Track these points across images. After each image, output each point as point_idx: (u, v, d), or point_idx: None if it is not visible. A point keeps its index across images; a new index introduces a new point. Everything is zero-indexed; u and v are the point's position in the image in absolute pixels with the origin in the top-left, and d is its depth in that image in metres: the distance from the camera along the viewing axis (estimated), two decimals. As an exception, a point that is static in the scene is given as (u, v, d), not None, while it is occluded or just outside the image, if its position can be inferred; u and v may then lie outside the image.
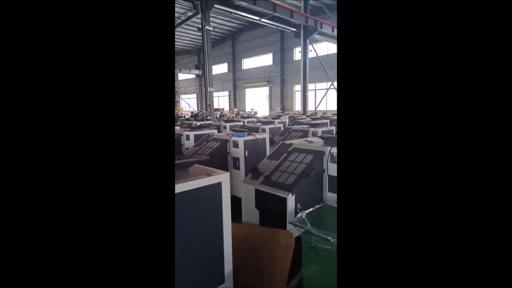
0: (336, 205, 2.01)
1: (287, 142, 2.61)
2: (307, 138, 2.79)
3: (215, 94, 23.10)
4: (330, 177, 2.23)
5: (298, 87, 16.74)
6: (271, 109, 18.74)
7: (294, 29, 11.57)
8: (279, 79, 17.98)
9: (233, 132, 3.37)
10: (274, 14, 9.46)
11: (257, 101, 19.77)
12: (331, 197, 2.26)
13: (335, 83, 15.00)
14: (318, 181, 2.22)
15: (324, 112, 12.85)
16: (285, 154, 2.42)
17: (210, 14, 10.87)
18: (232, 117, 11.50)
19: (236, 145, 3.06)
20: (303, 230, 1.65)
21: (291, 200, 1.96)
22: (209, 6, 7.87)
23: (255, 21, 10.15)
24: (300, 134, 4.15)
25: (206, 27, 8.00)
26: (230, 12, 8.93)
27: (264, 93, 19.37)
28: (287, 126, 5.65)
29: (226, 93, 22.08)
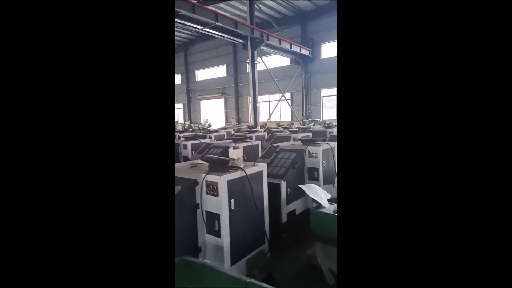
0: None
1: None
2: (193, 161, 2.26)
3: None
4: (207, 213, 1.71)
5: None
6: (227, 121, 18.28)
7: (242, 41, 11.39)
8: (234, 91, 17.70)
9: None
10: (217, 23, 9.13)
11: (214, 113, 19.21)
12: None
13: (286, 95, 15.21)
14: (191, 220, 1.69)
15: (278, 123, 12.78)
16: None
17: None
18: (181, 130, 10.63)
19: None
20: None
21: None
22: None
23: (197, 30, 9.71)
24: (220, 150, 3.65)
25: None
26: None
27: (221, 105, 18.91)
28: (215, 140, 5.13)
29: (181, 105, 21.09)
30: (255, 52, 11.52)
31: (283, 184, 2.62)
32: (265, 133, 5.91)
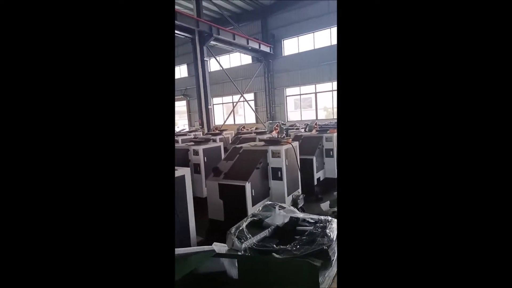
0: None
1: None
2: None
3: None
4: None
5: (216, 100, 15.48)
6: (190, 124, 16.96)
7: (188, 35, 10.18)
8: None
9: None
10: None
11: (179, 116, 17.85)
12: None
13: (249, 95, 14.17)
14: None
15: (242, 126, 11.67)
16: None
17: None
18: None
19: None
20: None
21: None
22: None
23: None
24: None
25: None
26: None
27: (183, 108, 17.56)
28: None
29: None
30: (205, 48, 10.36)
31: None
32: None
